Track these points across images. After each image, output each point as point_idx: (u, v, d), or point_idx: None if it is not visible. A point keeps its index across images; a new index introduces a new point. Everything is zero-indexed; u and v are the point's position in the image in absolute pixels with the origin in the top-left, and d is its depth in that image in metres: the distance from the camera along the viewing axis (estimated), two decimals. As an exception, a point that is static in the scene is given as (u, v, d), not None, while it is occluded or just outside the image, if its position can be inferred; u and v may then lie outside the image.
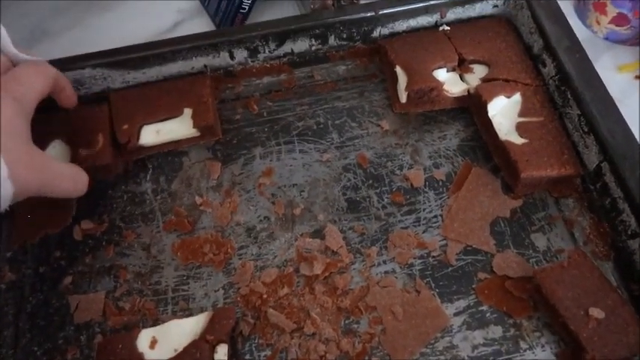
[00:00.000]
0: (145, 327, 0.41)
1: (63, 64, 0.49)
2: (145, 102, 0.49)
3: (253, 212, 0.47)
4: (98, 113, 0.48)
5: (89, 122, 0.47)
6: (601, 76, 0.45)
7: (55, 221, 0.45)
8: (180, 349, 0.38)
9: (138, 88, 0.50)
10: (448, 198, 0.46)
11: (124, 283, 0.44)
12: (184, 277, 0.44)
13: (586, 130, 0.44)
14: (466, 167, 0.47)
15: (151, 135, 0.48)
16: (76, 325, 0.42)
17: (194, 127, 0.48)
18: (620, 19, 0.52)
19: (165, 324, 0.40)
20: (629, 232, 0.40)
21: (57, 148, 0.46)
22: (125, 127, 0.47)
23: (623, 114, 0.43)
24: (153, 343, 0.39)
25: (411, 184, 0.47)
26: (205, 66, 0.52)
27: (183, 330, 0.39)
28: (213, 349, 0.38)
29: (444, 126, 0.50)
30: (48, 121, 0.46)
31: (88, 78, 0.50)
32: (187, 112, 0.48)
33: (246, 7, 0.54)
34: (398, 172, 0.48)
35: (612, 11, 0.51)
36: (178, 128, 0.48)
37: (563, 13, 0.49)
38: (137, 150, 0.48)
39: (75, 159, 0.46)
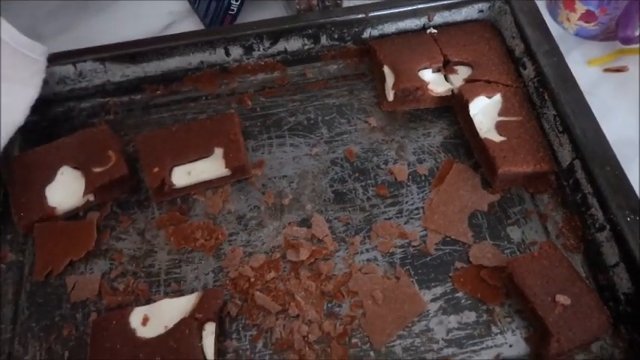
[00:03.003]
0: (137, 306, 0.43)
1: (66, 57, 0.52)
2: (172, 143, 0.48)
3: (244, 201, 0.49)
4: (100, 133, 0.49)
5: (95, 142, 0.49)
6: (572, 70, 0.48)
7: (77, 248, 0.46)
8: (171, 326, 0.40)
9: (164, 129, 0.50)
10: (430, 192, 0.49)
11: (119, 265, 0.46)
12: (177, 261, 0.46)
13: (561, 129, 0.46)
14: (448, 163, 0.50)
15: (183, 176, 0.48)
16: (72, 304, 0.44)
17: (226, 167, 0.48)
18: (588, 16, 0.54)
19: (157, 303, 0.42)
20: (597, 226, 0.42)
21: (66, 174, 0.48)
22: (156, 170, 0.47)
23: (592, 104, 0.45)
24: (145, 321, 0.41)
25: (395, 178, 0.49)
26: (202, 62, 0.54)
27: (174, 309, 0.42)
28: (201, 327, 0.41)
29: (429, 124, 0.53)
30: (52, 150, 0.48)
31: (89, 71, 0.52)
32: (218, 151, 0.48)
33: (235, 9, 0.56)
34: (383, 166, 0.50)
35: (581, 9, 0.54)
36: (210, 168, 0.48)
37: (543, 19, 0.51)
38: (170, 192, 0.48)
39: (89, 179, 0.47)
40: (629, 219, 0.40)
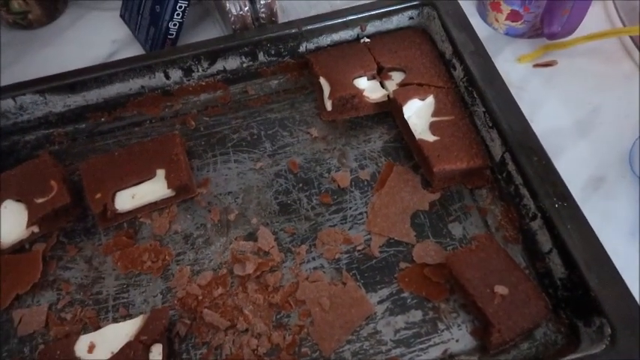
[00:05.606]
0: (85, 334, 0.43)
1: (4, 92, 0.52)
2: (115, 168, 0.49)
3: (191, 220, 0.49)
4: (42, 164, 0.49)
5: (37, 173, 0.49)
6: (503, 68, 0.50)
7: (23, 281, 0.45)
8: (117, 351, 0.40)
9: (107, 155, 0.50)
10: (372, 196, 0.49)
11: (67, 294, 0.46)
12: (124, 286, 0.46)
13: (490, 124, 0.47)
14: (389, 166, 0.51)
15: (127, 200, 0.48)
16: (19, 338, 0.44)
17: (169, 187, 0.48)
18: (513, 16, 0.57)
19: (103, 329, 0.42)
20: (530, 215, 0.44)
21: (9, 208, 0.48)
22: (98, 195, 0.47)
23: (523, 98, 0.47)
24: (91, 348, 0.41)
25: (338, 185, 0.50)
26: (142, 87, 0.54)
27: (119, 334, 0.41)
28: (147, 349, 0.41)
29: (369, 130, 0.54)
30: None
31: (30, 104, 0.53)
32: (160, 173, 0.48)
33: (174, 33, 0.57)
34: (326, 175, 0.51)
35: (506, 9, 0.57)
36: (153, 190, 0.48)
37: (469, 22, 0.53)
38: (115, 217, 0.48)
39: (32, 210, 0.47)
40: (557, 205, 0.41)
